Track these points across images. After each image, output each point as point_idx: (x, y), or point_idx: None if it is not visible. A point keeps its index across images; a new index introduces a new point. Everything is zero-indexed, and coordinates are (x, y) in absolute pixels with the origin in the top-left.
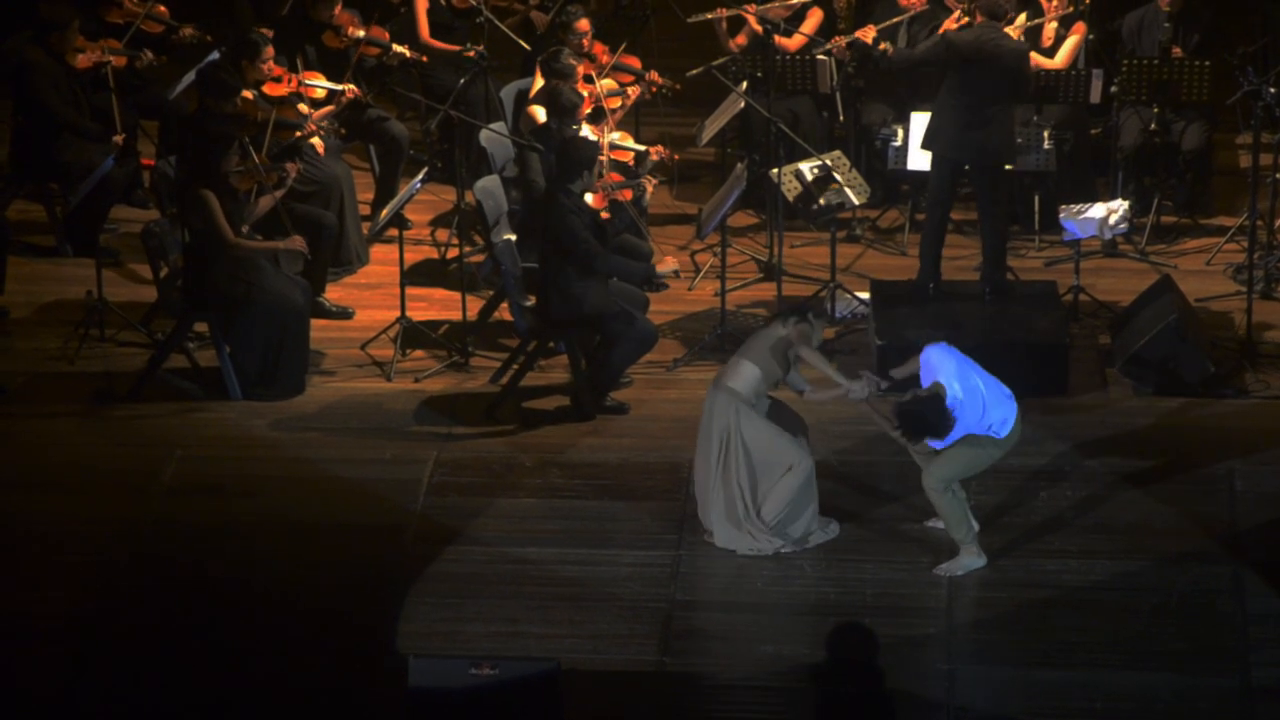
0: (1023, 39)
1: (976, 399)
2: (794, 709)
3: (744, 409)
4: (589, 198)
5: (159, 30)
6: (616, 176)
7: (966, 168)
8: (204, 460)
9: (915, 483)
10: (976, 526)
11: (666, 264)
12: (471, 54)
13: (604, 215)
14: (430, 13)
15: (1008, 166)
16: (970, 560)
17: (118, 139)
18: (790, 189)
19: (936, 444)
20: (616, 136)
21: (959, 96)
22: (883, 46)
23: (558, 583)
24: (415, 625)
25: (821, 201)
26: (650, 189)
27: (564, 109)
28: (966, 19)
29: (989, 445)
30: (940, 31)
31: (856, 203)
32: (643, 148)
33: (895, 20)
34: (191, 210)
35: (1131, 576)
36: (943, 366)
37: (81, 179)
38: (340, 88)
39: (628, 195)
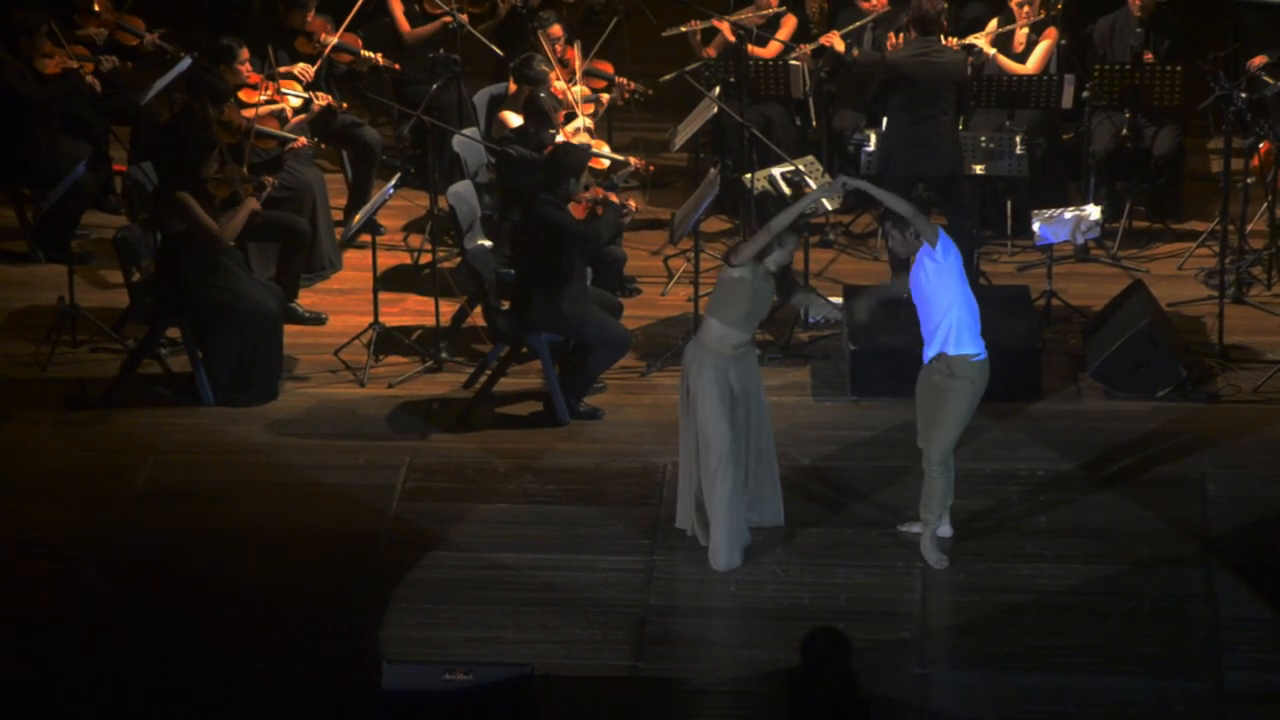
0: (994, 45)
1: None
2: (767, 713)
3: (705, 360)
4: (572, 207)
5: (134, 42)
6: (601, 191)
7: (921, 184)
8: (177, 466)
9: (889, 486)
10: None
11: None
12: (450, 20)
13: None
14: (405, 16)
15: (977, 168)
16: (927, 544)
17: (91, 80)
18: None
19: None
20: (594, 145)
21: (908, 113)
22: (855, 54)
23: (532, 588)
24: (389, 631)
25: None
26: (635, 210)
27: (540, 113)
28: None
29: (966, 386)
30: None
31: (829, 208)
32: (620, 157)
33: (859, 24)
34: (171, 213)
35: (1104, 581)
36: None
37: (53, 184)
38: (310, 95)
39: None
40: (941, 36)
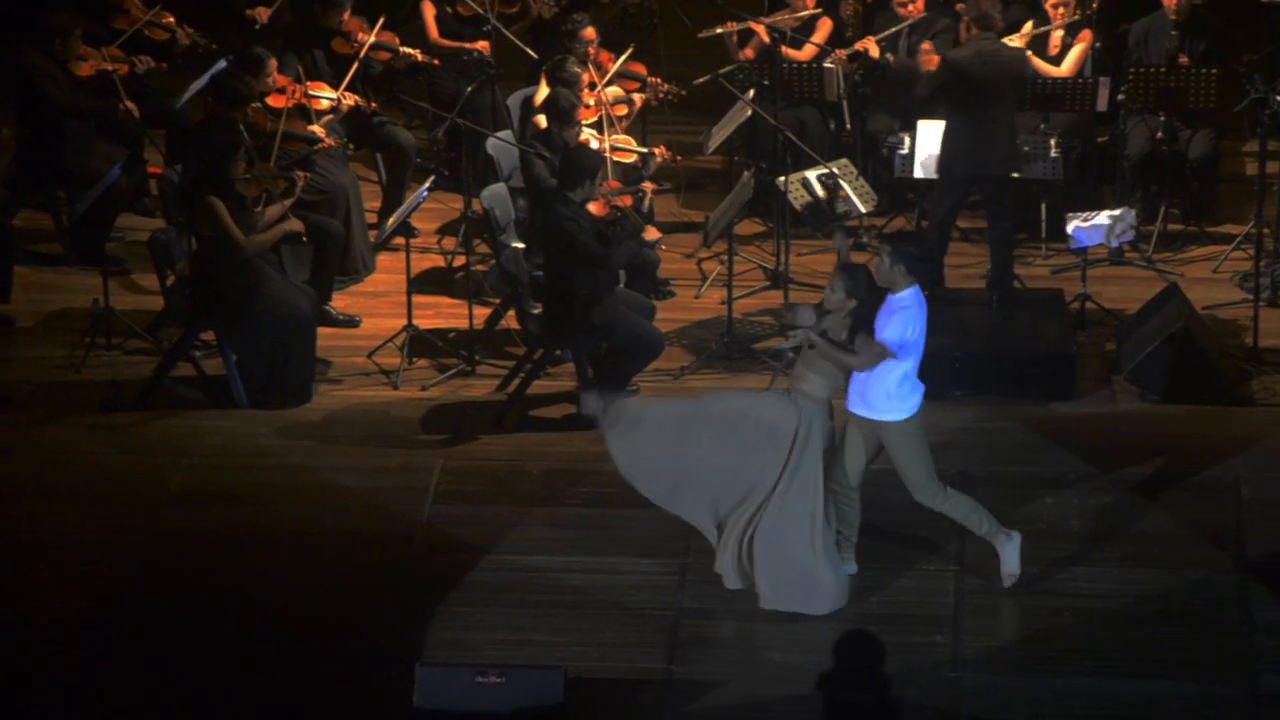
0: (1029, 47)
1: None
2: (801, 717)
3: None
4: (590, 206)
5: (165, 37)
6: (615, 184)
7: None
8: (211, 469)
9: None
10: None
11: (650, 234)
12: (482, 45)
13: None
14: (437, 20)
15: (1014, 174)
16: (1010, 550)
17: (128, 104)
18: (798, 198)
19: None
20: (620, 140)
21: (972, 112)
22: (890, 59)
23: (564, 591)
24: (421, 634)
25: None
26: (650, 192)
27: (561, 112)
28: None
29: (916, 425)
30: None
31: (863, 210)
32: (646, 149)
33: (895, 29)
34: (199, 217)
35: (1138, 584)
36: (910, 315)
37: (88, 187)
38: (337, 95)
39: (627, 201)
40: (997, 30)
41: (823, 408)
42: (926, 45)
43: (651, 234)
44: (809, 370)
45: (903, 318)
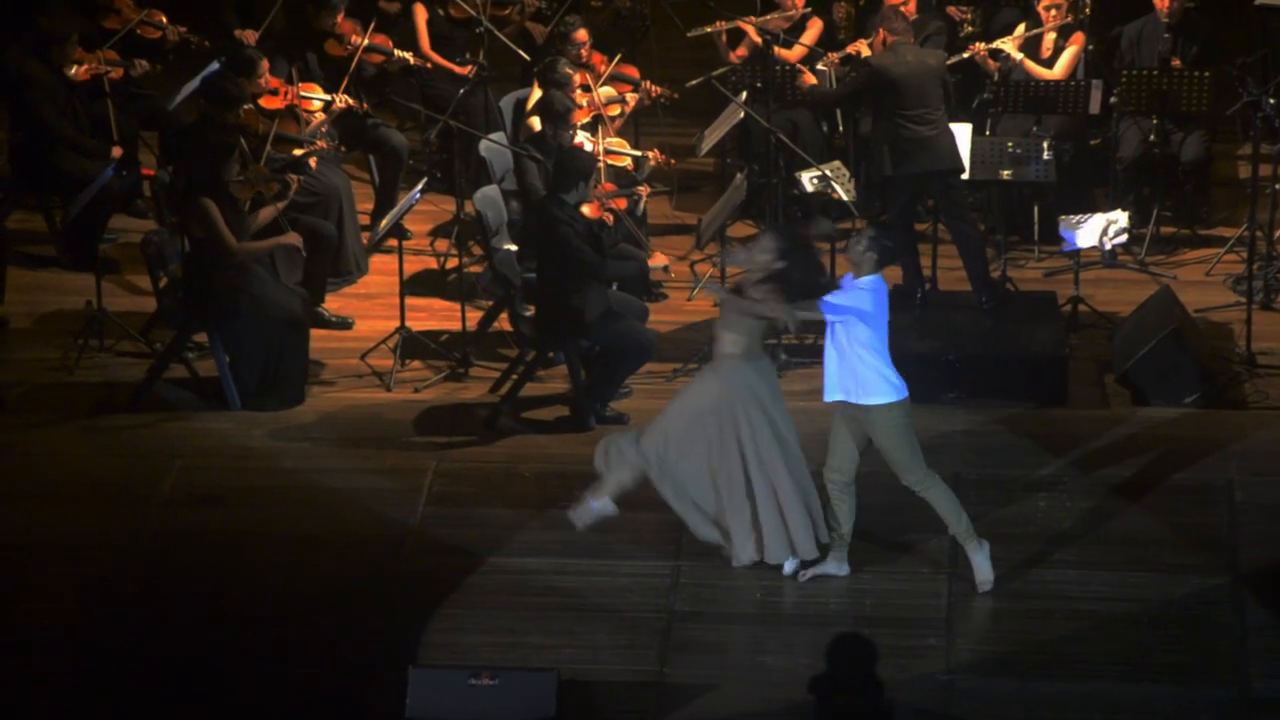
0: (1021, 50)
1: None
2: None
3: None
4: (585, 208)
5: (156, 35)
6: (610, 186)
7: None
8: (203, 471)
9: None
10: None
11: (657, 259)
12: (468, 70)
13: (608, 218)
14: (429, 24)
15: (1004, 174)
16: (981, 558)
17: (115, 151)
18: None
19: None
20: (614, 143)
21: (902, 115)
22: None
23: (557, 593)
24: (414, 636)
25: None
26: (645, 196)
27: (557, 114)
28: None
29: (902, 411)
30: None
31: (846, 198)
32: (639, 153)
33: None
34: (192, 219)
35: (1131, 588)
36: (860, 295)
37: (80, 190)
38: (329, 98)
39: (622, 204)
40: (910, 38)
41: (747, 360)
42: (805, 71)
43: (659, 259)
44: (725, 330)
45: (851, 294)
